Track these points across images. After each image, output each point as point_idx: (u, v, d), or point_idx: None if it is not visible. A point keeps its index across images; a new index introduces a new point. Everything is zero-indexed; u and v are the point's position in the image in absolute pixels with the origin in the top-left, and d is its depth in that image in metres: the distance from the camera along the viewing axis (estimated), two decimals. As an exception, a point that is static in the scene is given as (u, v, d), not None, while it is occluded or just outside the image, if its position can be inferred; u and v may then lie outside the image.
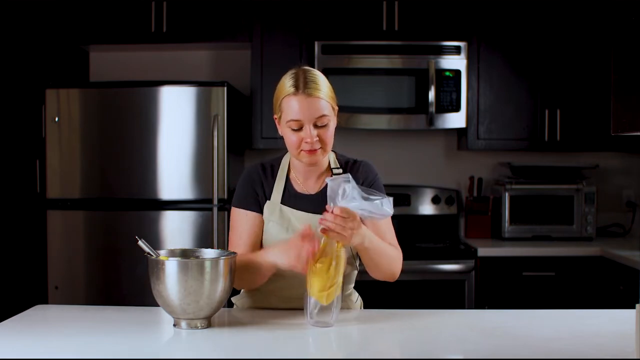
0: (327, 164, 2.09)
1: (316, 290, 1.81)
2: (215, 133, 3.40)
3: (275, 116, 2.02)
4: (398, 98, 3.76)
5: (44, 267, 3.48)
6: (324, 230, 1.81)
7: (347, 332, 1.83)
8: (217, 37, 3.85)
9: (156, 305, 1.87)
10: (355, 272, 2.13)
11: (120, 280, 3.45)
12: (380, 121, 3.78)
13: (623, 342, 1.70)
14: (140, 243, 1.83)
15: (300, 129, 1.94)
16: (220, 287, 1.79)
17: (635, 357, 1.53)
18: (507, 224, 3.86)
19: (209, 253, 1.93)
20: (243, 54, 4.07)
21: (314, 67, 3.63)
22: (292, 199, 2.05)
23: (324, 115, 1.94)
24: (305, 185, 2.07)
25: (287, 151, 2.08)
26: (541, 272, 3.57)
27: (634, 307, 1.56)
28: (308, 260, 1.80)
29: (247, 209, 2.05)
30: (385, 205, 1.79)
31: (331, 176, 2.06)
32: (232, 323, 1.94)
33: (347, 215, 1.78)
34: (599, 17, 3.79)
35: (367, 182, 2.04)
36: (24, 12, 3.71)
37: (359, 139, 4.08)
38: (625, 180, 4.18)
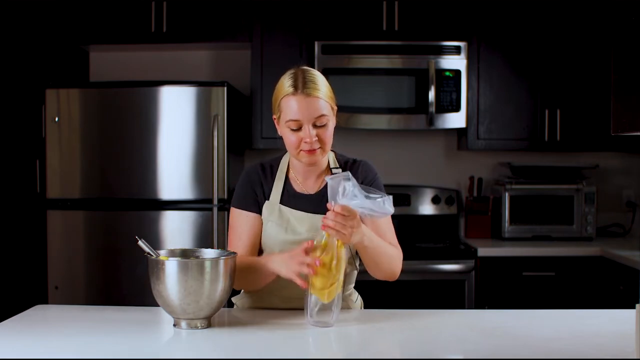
0: (326, 164, 2.09)
1: (317, 288, 1.81)
2: (215, 133, 3.40)
3: (274, 116, 2.02)
4: (398, 98, 3.76)
5: (44, 267, 3.48)
6: (325, 227, 1.81)
7: (347, 332, 1.83)
8: (217, 37, 3.85)
9: (156, 305, 1.87)
10: (356, 272, 2.13)
11: (120, 280, 3.45)
12: (380, 121, 3.78)
13: (623, 342, 1.70)
14: (140, 243, 1.83)
15: (299, 129, 1.95)
16: (220, 287, 1.79)
17: (635, 357, 1.53)
18: (507, 224, 3.86)
19: (209, 253, 1.93)
20: (243, 54, 4.07)
21: (314, 67, 3.64)
22: (291, 198, 2.05)
23: (323, 115, 1.94)
24: (305, 185, 2.07)
25: (286, 151, 2.08)
26: (541, 272, 3.57)
27: (634, 307, 1.56)
28: (309, 274, 1.80)
29: (247, 210, 2.05)
30: (386, 204, 1.79)
31: (331, 175, 2.06)
32: (232, 323, 1.94)
33: (348, 214, 1.78)
34: (599, 17, 3.79)
35: (367, 182, 2.04)
36: (24, 12, 3.71)
37: (359, 139, 4.08)
38: (625, 180, 4.18)
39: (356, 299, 2.17)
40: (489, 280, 3.57)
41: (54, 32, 3.79)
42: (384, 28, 3.79)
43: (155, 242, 3.40)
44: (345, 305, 2.07)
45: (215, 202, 3.40)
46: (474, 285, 3.55)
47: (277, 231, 2.02)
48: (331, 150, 2.09)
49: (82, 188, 3.47)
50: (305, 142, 1.94)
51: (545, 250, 3.60)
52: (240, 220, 2.06)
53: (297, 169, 2.08)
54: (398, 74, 3.77)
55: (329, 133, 1.97)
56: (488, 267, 3.57)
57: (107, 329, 1.84)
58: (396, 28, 3.78)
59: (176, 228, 3.45)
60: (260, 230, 2.05)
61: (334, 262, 1.80)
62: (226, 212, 3.42)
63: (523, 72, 3.83)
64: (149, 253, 1.83)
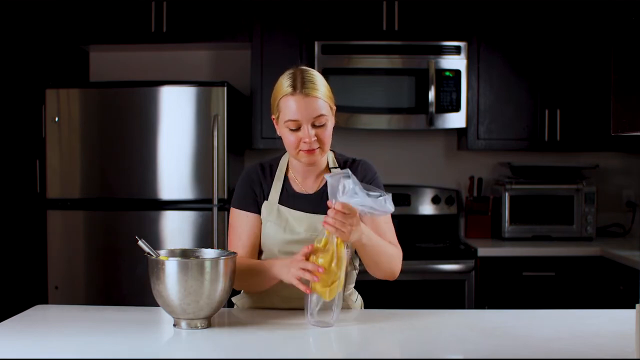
0: (325, 164, 2.09)
1: (319, 286, 1.80)
2: (215, 133, 3.40)
3: (273, 116, 2.03)
4: (398, 98, 3.76)
5: (44, 267, 3.48)
6: (326, 225, 1.81)
7: (347, 332, 1.83)
8: (217, 37, 3.85)
9: (156, 305, 1.87)
10: (356, 272, 2.13)
11: (120, 280, 3.45)
12: (380, 121, 3.78)
13: (623, 342, 1.70)
14: (140, 243, 1.83)
15: (298, 129, 1.95)
16: (220, 287, 1.79)
17: (635, 357, 1.53)
18: (507, 224, 3.86)
19: (209, 253, 1.93)
20: (243, 54, 4.07)
21: (314, 67, 3.65)
22: (290, 198, 2.05)
23: (321, 115, 1.94)
24: (304, 185, 2.07)
25: (286, 151, 2.08)
26: (541, 272, 3.57)
27: (634, 307, 1.56)
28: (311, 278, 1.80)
29: (246, 210, 2.06)
30: (387, 202, 1.78)
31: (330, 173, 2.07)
32: (232, 323, 1.94)
33: (348, 212, 1.78)
34: (599, 17, 3.79)
35: (366, 181, 2.04)
36: (24, 12, 3.71)
37: (359, 139, 4.08)
38: (625, 180, 4.18)
39: (356, 298, 2.17)
40: (489, 280, 3.57)
41: (54, 32, 3.79)
42: (384, 28, 3.79)
43: (155, 242, 3.40)
44: (345, 305, 2.07)
45: (215, 202, 3.40)
46: (474, 285, 3.55)
47: (275, 231, 2.02)
48: (330, 150, 2.09)
49: (82, 188, 3.47)
50: (304, 142, 1.94)
51: (545, 250, 3.60)
52: (240, 220, 2.06)
53: (296, 168, 2.08)
54: (398, 74, 3.77)
55: (328, 133, 1.97)
56: (488, 267, 3.57)
57: (107, 329, 1.84)
58: (396, 28, 3.78)
59: (176, 228, 3.45)
60: (260, 230, 2.05)
61: (334, 260, 1.80)
62: (226, 212, 3.42)
63: (523, 72, 3.83)
64: (149, 253, 1.83)
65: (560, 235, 3.85)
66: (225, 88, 3.44)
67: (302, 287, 1.80)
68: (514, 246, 3.68)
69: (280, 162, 2.11)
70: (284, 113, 1.95)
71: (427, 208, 4.06)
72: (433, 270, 3.56)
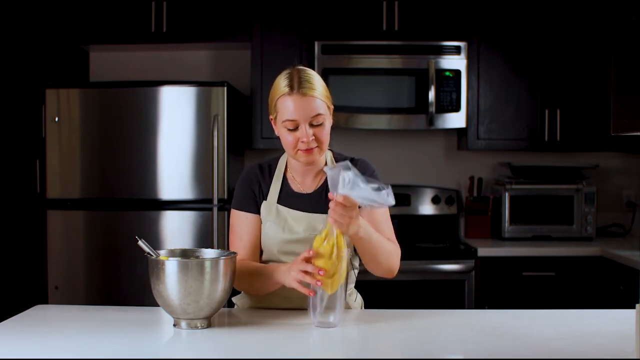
0: (324, 163, 2.09)
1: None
2: (215, 133, 3.40)
3: (271, 117, 2.03)
4: (398, 98, 3.76)
5: (44, 267, 3.48)
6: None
7: (347, 332, 1.83)
8: (217, 37, 3.85)
9: (156, 305, 1.87)
10: (356, 272, 2.13)
11: (120, 280, 3.45)
12: (380, 121, 3.78)
13: (623, 342, 1.70)
14: (140, 243, 1.83)
15: (296, 128, 1.95)
16: (220, 287, 1.79)
17: (635, 357, 1.53)
18: (507, 224, 3.86)
19: (209, 253, 1.93)
20: (243, 54, 4.07)
21: (313, 67, 3.65)
22: (289, 198, 2.06)
23: (319, 114, 1.95)
24: (303, 185, 2.08)
25: (285, 151, 2.08)
26: (541, 272, 3.57)
27: (634, 307, 1.56)
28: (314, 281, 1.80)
29: (246, 211, 2.06)
30: (388, 195, 1.78)
31: (329, 166, 2.07)
32: (232, 323, 1.94)
33: (348, 204, 1.78)
34: (599, 17, 3.79)
35: None
36: (24, 12, 3.71)
37: (359, 139, 4.08)
38: (625, 180, 4.18)
39: (355, 298, 2.17)
40: (489, 280, 3.57)
41: (54, 32, 3.79)
42: (384, 28, 3.79)
43: (155, 242, 3.40)
44: (346, 305, 2.07)
45: (215, 202, 3.40)
46: (474, 285, 3.55)
47: (274, 230, 2.02)
48: (329, 150, 2.10)
49: (82, 188, 3.47)
50: (302, 142, 1.95)
51: (545, 250, 3.60)
52: (240, 221, 2.06)
53: (295, 168, 2.08)
54: (398, 74, 3.77)
55: (325, 132, 1.98)
56: (488, 267, 3.57)
57: (107, 329, 1.84)
58: (396, 28, 3.78)
59: (176, 228, 3.45)
60: (260, 230, 2.06)
61: (335, 251, 1.80)
62: (226, 212, 3.42)
63: (523, 72, 3.83)
64: (149, 253, 1.83)
65: (560, 235, 3.85)
66: (225, 88, 3.44)
67: (303, 290, 1.80)
68: (514, 246, 3.68)
69: (279, 162, 2.12)
70: (282, 113, 1.96)
71: (427, 208, 4.06)
72: (433, 270, 3.55)
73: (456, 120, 3.77)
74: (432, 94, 3.70)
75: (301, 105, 1.93)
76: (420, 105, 3.75)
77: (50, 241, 3.47)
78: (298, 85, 1.94)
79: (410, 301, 3.48)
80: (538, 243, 3.75)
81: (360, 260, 2.07)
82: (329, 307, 1.82)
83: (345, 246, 1.82)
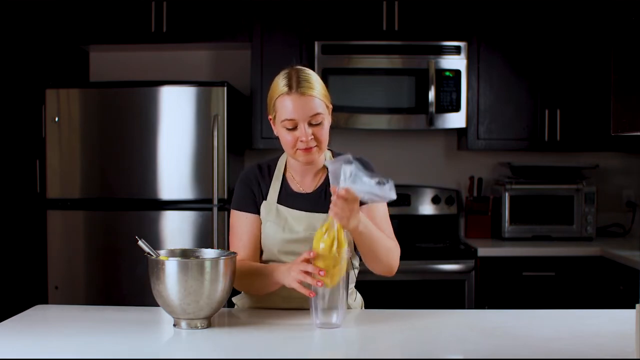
0: (323, 163, 2.09)
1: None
2: (215, 133, 3.40)
3: (269, 117, 2.03)
4: (398, 98, 3.76)
5: (44, 267, 3.48)
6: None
7: (347, 332, 1.83)
8: (217, 37, 3.85)
9: (156, 305, 1.87)
10: (356, 271, 2.13)
11: (120, 280, 3.45)
12: (380, 121, 3.78)
13: (623, 342, 1.70)
14: (140, 243, 1.83)
15: (295, 128, 1.95)
16: (220, 287, 1.79)
17: (635, 357, 1.53)
18: (507, 224, 3.86)
19: (209, 253, 1.93)
20: (243, 54, 4.07)
21: (314, 67, 3.65)
22: (288, 198, 2.06)
23: (318, 114, 1.95)
24: (302, 185, 2.08)
25: (284, 152, 2.08)
26: (541, 272, 3.57)
27: (634, 307, 1.56)
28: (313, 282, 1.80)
29: (246, 211, 2.06)
30: (390, 189, 1.78)
31: (327, 174, 2.07)
32: (232, 323, 1.94)
33: (350, 197, 1.78)
34: (599, 17, 3.79)
35: None
36: (24, 12, 3.71)
37: (359, 139, 4.08)
38: (625, 180, 4.18)
39: (355, 298, 2.17)
40: (489, 280, 3.57)
41: (54, 32, 3.79)
42: (384, 28, 3.79)
43: (155, 242, 3.40)
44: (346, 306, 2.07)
45: (215, 202, 3.40)
46: (474, 285, 3.55)
47: (274, 230, 2.03)
48: (328, 149, 2.10)
49: (82, 188, 3.47)
50: (301, 141, 1.95)
51: (545, 250, 3.60)
52: (240, 221, 2.07)
53: (294, 168, 2.08)
54: (398, 74, 3.77)
55: (324, 131, 1.98)
56: (488, 267, 3.57)
57: (107, 329, 1.84)
58: (396, 28, 3.78)
59: (176, 228, 3.45)
60: (260, 230, 2.06)
61: (335, 244, 1.80)
62: (226, 212, 3.42)
63: (523, 72, 3.83)
64: (149, 253, 1.83)
65: (560, 235, 3.85)
66: (225, 88, 3.44)
67: (304, 291, 1.80)
68: (514, 246, 3.68)
69: (279, 162, 2.12)
70: (281, 112, 1.96)
71: (427, 208, 4.06)
72: (433, 270, 3.55)
73: (456, 120, 3.77)
74: (432, 94, 3.70)
75: (300, 104, 1.94)
76: (420, 105, 3.75)
77: (50, 241, 3.47)
78: (296, 85, 1.94)
79: (410, 301, 3.48)
80: (538, 243, 3.75)
81: (360, 259, 2.08)
82: (331, 308, 1.82)
83: (345, 240, 1.82)
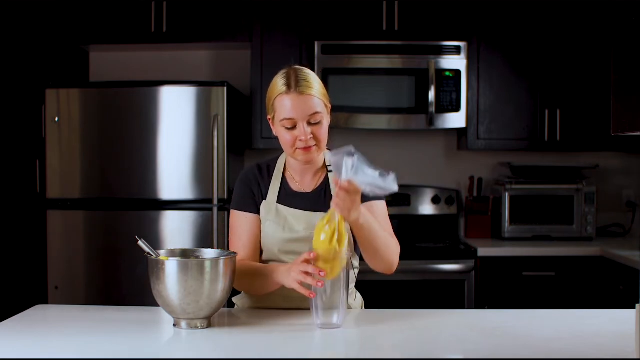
0: (322, 162, 2.10)
1: (321, 262, 1.79)
2: (215, 133, 3.40)
3: (268, 116, 2.04)
4: (398, 98, 3.76)
5: (44, 267, 3.48)
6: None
7: (348, 332, 1.83)
8: (217, 37, 3.85)
9: (156, 305, 1.87)
10: (356, 271, 2.13)
11: (120, 280, 3.45)
12: (380, 121, 3.78)
13: (623, 342, 1.70)
14: (140, 243, 1.83)
15: (294, 127, 1.96)
16: (220, 287, 1.79)
17: (635, 357, 1.53)
18: (507, 224, 3.86)
19: (209, 253, 1.93)
20: (243, 54, 4.07)
21: (314, 67, 3.66)
22: (288, 197, 2.06)
23: (317, 113, 1.96)
24: (302, 184, 2.08)
25: (283, 152, 2.08)
26: (541, 272, 3.57)
27: (634, 307, 1.56)
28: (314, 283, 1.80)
29: (245, 211, 2.06)
30: (393, 180, 1.78)
31: (327, 174, 2.07)
32: (232, 323, 1.94)
33: (352, 189, 1.77)
34: (599, 17, 3.79)
35: None
36: (24, 12, 3.71)
37: (359, 139, 4.07)
38: (625, 180, 4.18)
39: (355, 297, 2.17)
40: (489, 280, 3.57)
41: (54, 32, 3.79)
42: (384, 28, 3.79)
43: (155, 242, 3.40)
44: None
45: (215, 202, 3.40)
46: (474, 285, 3.55)
47: (274, 230, 2.03)
48: (327, 149, 2.10)
49: (82, 188, 3.47)
50: (301, 140, 1.95)
51: (545, 250, 3.60)
52: (240, 221, 2.07)
53: (293, 167, 2.08)
54: (398, 74, 3.77)
55: (323, 130, 1.98)
56: (488, 267, 3.57)
57: (107, 329, 1.84)
58: (396, 28, 3.78)
59: (176, 228, 3.45)
60: (260, 230, 2.06)
61: (336, 235, 1.79)
62: (226, 212, 3.42)
63: (523, 72, 3.83)
64: (149, 253, 1.83)
65: (560, 235, 3.85)
66: (225, 88, 3.44)
67: (304, 292, 1.80)
68: (514, 246, 3.68)
69: (278, 162, 2.12)
70: (280, 112, 1.96)
71: (427, 208, 4.06)
72: (433, 270, 3.55)
73: (456, 120, 3.77)
74: (432, 94, 3.70)
75: (299, 103, 1.94)
76: (420, 105, 3.75)
77: (50, 241, 3.47)
78: (295, 84, 1.94)
79: (410, 301, 3.48)
80: (538, 243, 3.75)
81: (360, 259, 2.08)
82: (332, 308, 1.82)
83: (346, 233, 1.82)
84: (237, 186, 2.10)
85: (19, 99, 3.70)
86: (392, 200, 3.88)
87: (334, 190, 1.93)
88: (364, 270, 2.07)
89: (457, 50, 3.76)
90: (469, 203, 4.04)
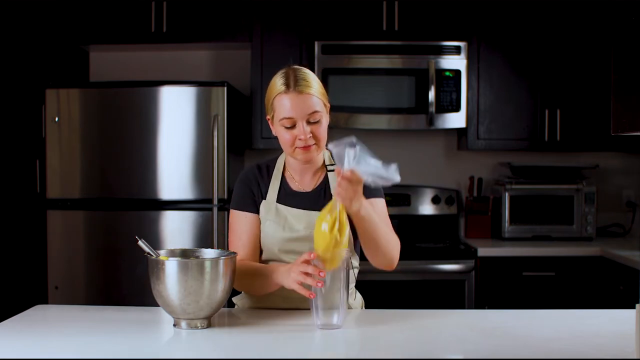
0: (322, 161, 2.10)
1: (320, 251, 1.80)
2: (215, 133, 3.40)
3: (268, 116, 2.04)
4: (398, 98, 3.76)
5: (44, 267, 3.48)
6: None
7: (348, 332, 1.83)
8: (217, 37, 3.85)
9: (156, 305, 1.87)
10: (356, 271, 2.13)
11: (120, 280, 3.45)
12: (380, 121, 3.78)
13: (623, 342, 1.70)
14: (140, 243, 1.83)
15: (293, 126, 1.96)
16: (220, 287, 1.79)
17: (635, 357, 1.53)
18: (507, 224, 3.86)
19: (209, 253, 1.93)
20: (243, 54, 4.07)
21: (313, 67, 3.66)
22: (288, 197, 2.06)
23: (316, 112, 1.96)
24: (301, 183, 2.08)
25: (283, 152, 2.08)
26: (541, 272, 3.57)
27: (634, 307, 1.56)
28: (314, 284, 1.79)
29: (245, 210, 2.07)
30: (395, 170, 1.78)
31: (326, 173, 2.07)
32: (232, 323, 1.94)
33: (355, 179, 1.77)
34: (599, 17, 3.79)
35: None
36: (24, 12, 3.71)
37: (359, 139, 4.05)
38: (625, 180, 4.18)
39: (355, 297, 2.17)
40: (489, 280, 3.57)
41: (54, 32, 3.79)
42: (384, 28, 3.79)
43: (155, 242, 3.40)
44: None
45: (215, 202, 3.40)
46: (474, 285, 3.55)
47: (274, 229, 2.03)
48: (327, 149, 2.10)
49: (82, 188, 3.47)
50: (300, 139, 1.96)
51: (545, 250, 3.60)
52: (240, 221, 2.07)
53: (293, 167, 2.09)
54: (398, 74, 3.77)
55: (322, 129, 1.99)
56: (488, 267, 3.57)
57: (107, 329, 1.84)
58: (396, 28, 3.78)
59: (176, 228, 3.45)
60: (260, 230, 2.06)
61: (337, 224, 1.79)
62: (226, 212, 3.42)
63: (523, 72, 3.83)
64: (149, 253, 1.83)
65: (560, 235, 3.85)
66: (225, 88, 3.44)
67: (303, 292, 1.80)
68: (514, 246, 3.68)
69: (277, 161, 2.13)
70: (279, 111, 1.96)
71: (427, 208, 4.06)
72: (433, 270, 3.55)
73: (456, 120, 3.77)
74: (432, 94, 3.70)
75: (298, 102, 1.94)
76: (420, 105, 3.75)
77: (50, 241, 3.47)
78: (294, 84, 1.95)
79: (410, 301, 3.48)
80: (538, 243, 3.75)
81: (360, 259, 2.08)
82: (332, 308, 1.82)
83: (347, 223, 1.81)
84: (236, 186, 2.11)
85: (19, 99, 3.70)
86: (392, 200, 3.88)
87: (333, 188, 1.93)
88: (364, 270, 2.07)
89: (457, 50, 3.76)
90: (469, 203, 4.04)
